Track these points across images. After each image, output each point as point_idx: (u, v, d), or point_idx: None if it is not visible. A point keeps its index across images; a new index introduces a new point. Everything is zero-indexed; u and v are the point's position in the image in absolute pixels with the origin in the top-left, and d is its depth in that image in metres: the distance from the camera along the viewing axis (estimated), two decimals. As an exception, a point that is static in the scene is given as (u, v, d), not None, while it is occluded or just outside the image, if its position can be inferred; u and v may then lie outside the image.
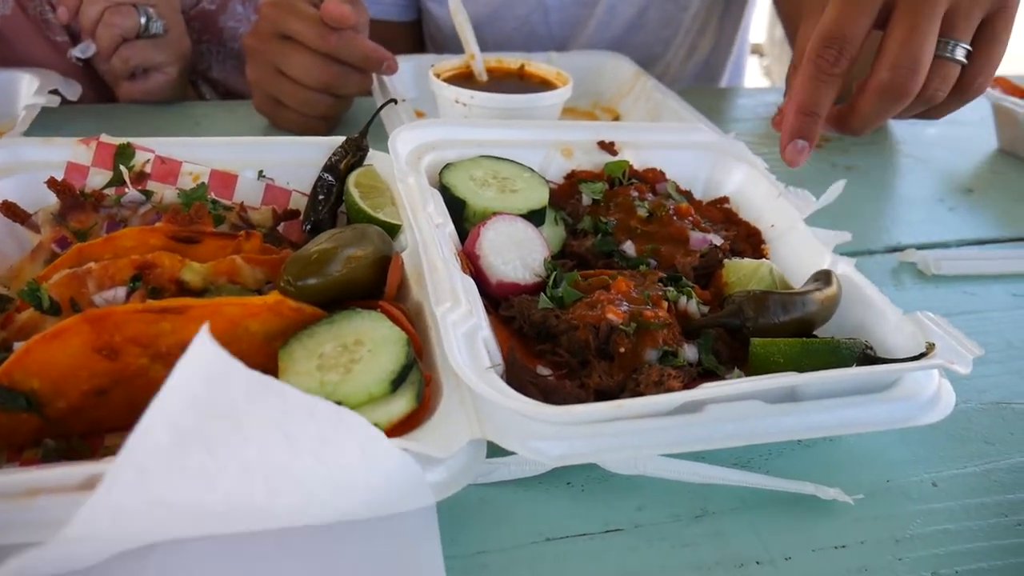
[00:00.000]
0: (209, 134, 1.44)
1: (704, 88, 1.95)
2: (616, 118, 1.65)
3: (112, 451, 0.61)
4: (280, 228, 1.02)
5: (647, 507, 0.73)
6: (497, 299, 0.93)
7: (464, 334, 0.77)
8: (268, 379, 0.54)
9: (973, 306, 1.14)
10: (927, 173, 1.57)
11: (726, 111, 1.74)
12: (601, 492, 0.74)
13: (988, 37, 0.88)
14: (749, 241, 1.10)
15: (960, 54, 0.93)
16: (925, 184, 1.53)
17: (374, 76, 1.45)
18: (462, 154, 1.08)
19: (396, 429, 0.70)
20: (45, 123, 1.24)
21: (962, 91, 0.96)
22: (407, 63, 1.56)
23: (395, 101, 1.22)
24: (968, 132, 1.76)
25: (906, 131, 1.76)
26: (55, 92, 1.26)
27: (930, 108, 0.98)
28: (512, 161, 1.09)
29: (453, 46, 1.39)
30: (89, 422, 0.67)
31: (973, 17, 0.87)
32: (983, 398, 0.94)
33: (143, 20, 1.34)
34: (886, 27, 0.93)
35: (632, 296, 0.88)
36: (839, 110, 1.01)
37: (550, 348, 0.87)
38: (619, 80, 1.68)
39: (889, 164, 1.60)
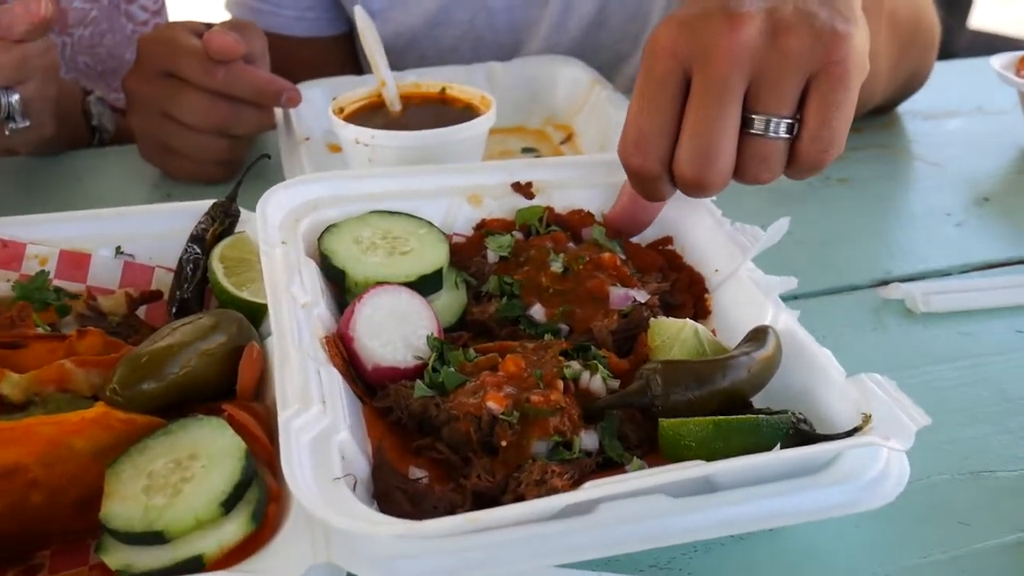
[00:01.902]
0: (92, 191, 1.51)
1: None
2: (570, 136, 1.68)
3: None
4: (143, 312, 1.06)
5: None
6: (374, 387, 0.96)
7: (312, 441, 0.80)
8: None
9: (966, 349, 1.15)
10: (938, 180, 1.58)
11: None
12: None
13: (817, 102, 0.89)
14: (691, 291, 1.12)
15: (779, 129, 0.92)
16: (933, 195, 1.53)
17: (278, 109, 1.50)
18: (350, 212, 1.12)
19: (231, 555, 0.73)
20: None
21: (798, 166, 0.98)
22: (318, 88, 1.59)
23: (268, 156, 1.26)
24: (995, 125, 1.75)
25: (920, 127, 1.76)
26: None
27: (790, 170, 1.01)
28: (407, 215, 1.12)
29: (391, 58, 1.43)
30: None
31: (785, 86, 0.89)
32: (964, 466, 0.94)
33: (4, 106, 1.28)
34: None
35: (522, 377, 0.90)
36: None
37: (430, 443, 0.90)
38: (575, 90, 1.70)
39: (894, 171, 1.61)
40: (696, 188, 0.98)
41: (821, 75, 0.89)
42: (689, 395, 0.89)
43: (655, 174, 0.99)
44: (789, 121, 0.94)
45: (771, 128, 0.94)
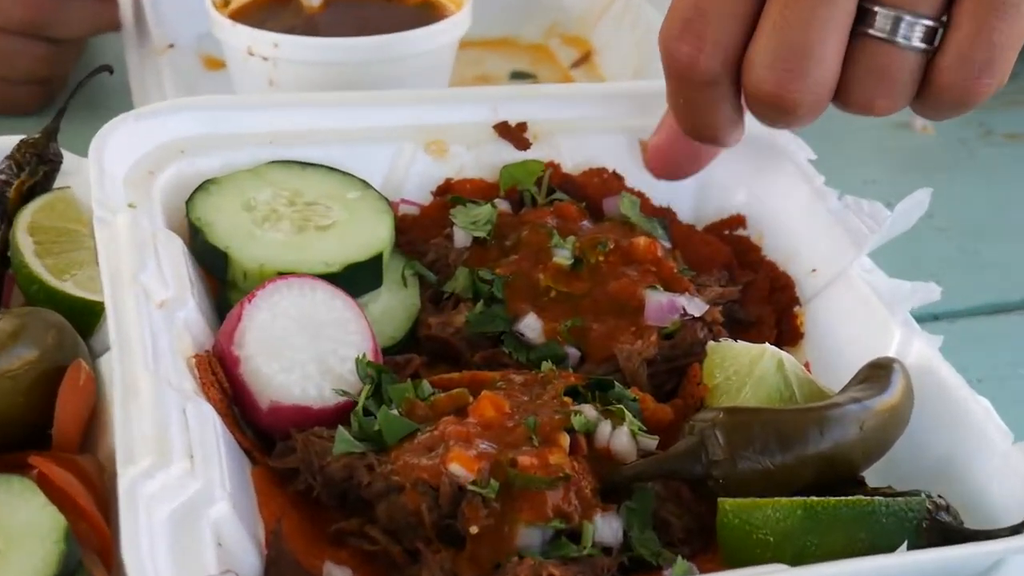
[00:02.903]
0: None
1: None
2: (586, 56, 1.69)
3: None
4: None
5: None
6: (272, 435, 0.96)
7: (171, 516, 0.80)
8: None
9: None
10: None
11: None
12: None
13: (974, 3, 0.91)
14: (773, 301, 1.13)
15: (912, 33, 0.93)
16: None
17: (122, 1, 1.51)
18: (238, 162, 1.11)
19: None
20: None
21: (935, 97, 0.97)
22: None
23: (110, 70, 1.26)
24: None
25: None
26: None
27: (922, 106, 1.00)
28: (329, 170, 1.11)
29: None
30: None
31: None
32: None
33: None
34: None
35: (505, 427, 0.91)
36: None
37: (358, 526, 0.90)
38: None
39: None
40: (774, 109, 0.98)
41: None
42: (766, 462, 0.89)
43: (712, 76, 0.98)
44: (929, 23, 0.94)
45: (901, 29, 0.94)
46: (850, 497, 0.87)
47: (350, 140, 1.16)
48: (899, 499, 0.88)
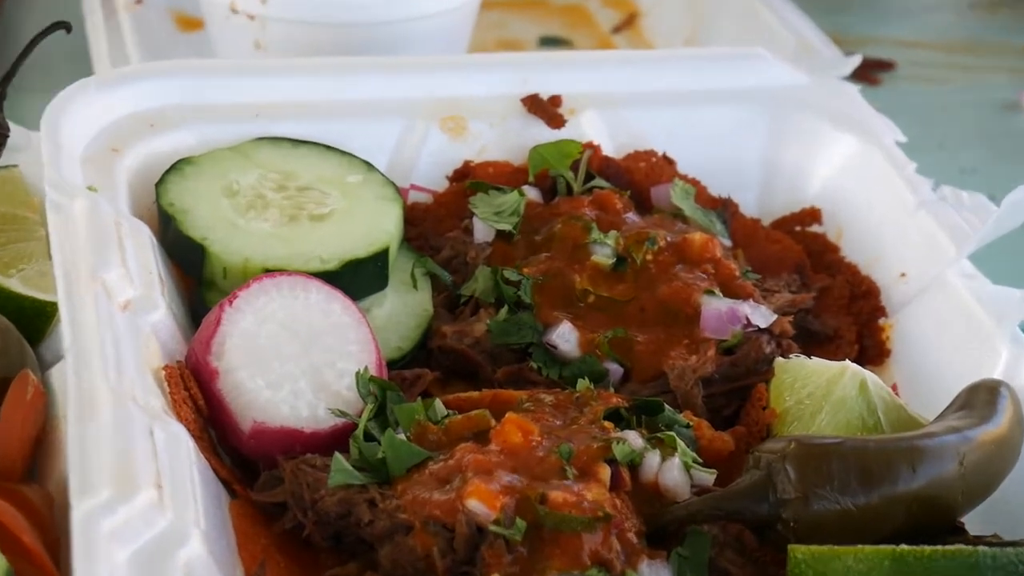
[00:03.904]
0: None
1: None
2: (631, 18, 1.69)
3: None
4: None
5: None
6: (255, 463, 0.96)
7: (135, 557, 0.79)
8: None
9: None
10: None
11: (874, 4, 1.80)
12: None
13: None
14: (855, 311, 1.13)
15: None
16: None
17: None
18: (218, 138, 1.12)
19: None
20: None
21: None
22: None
23: (67, 28, 1.25)
24: None
25: None
26: None
27: None
28: (326, 149, 1.12)
29: None
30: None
31: None
32: None
33: None
34: None
35: (534, 456, 0.90)
36: None
37: (356, 573, 0.89)
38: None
39: None
40: None
41: None
42: (847, 503, 0.89)
43: None
44: None
45: None
46: (948, 547, 0.87)
47: (351, 114, 1.16)
48: (1008, 550, 0.87)
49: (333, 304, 1.00)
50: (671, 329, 1.05)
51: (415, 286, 1.09)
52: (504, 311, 1.06)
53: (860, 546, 0.86)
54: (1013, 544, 0.88)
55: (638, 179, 1.17)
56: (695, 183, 1.18)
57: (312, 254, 1.04)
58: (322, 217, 1.07)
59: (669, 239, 1.09)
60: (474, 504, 0.86)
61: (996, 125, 1.16)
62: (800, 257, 1.16)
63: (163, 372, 0.95)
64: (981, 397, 0.97)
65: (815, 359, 1.03)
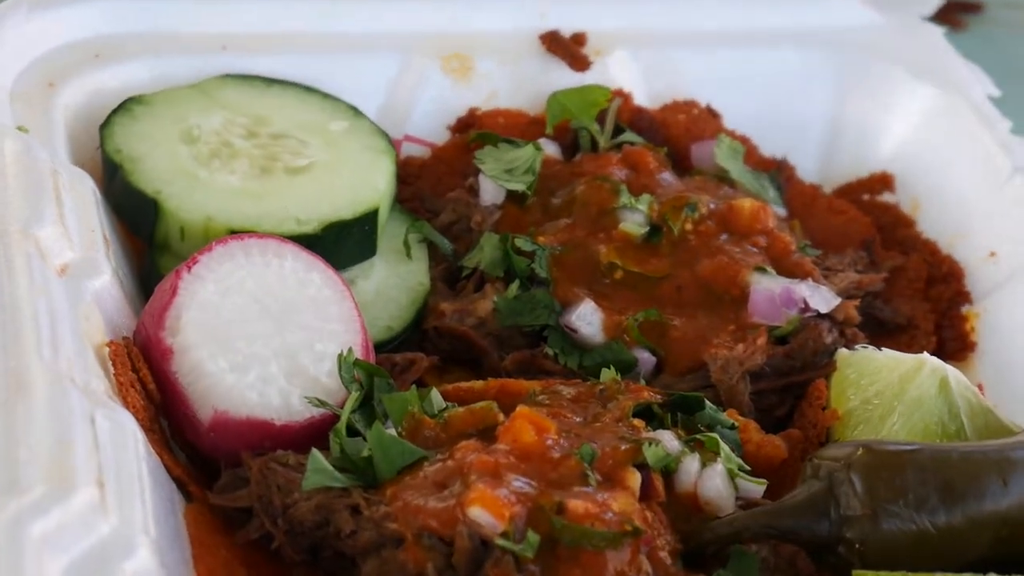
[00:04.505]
0: None
1: None
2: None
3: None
4: None
5: None
6: (215, 459, 0.93)
7: (71, 569, 0.76)
8: None
9: None
10: None
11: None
12: None
13: None
14: (934, 296, 1.12)
15: None
16: None
17: None
18: (175, 74, 1.10)
19: None
20: None
21: None
22: None
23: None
24: None
25: None
26: None
27: None
28: (306, 90, 1.11)
29: None
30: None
31: None
32: None
33: None
34: None
35: (549, 457, 0.87)
36: None
37: (335, 592, 0.86)
38: None
39: None
40: None
41: None
42: (924, 522, 0.86)
43: None
44: None
45: None
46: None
47: (335, 49, 1.15)
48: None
49: (311, 274, 0.98)
50: (713, 312, 1.04)
51: (409, 255, 1.08)
52: (515, 287, 1.04)
53: (939, 573, 0.85)
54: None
55: (676, 134, 1.17)
56: (744, 140, 1.17)
57: (287, 214, 1.03)
58: (300, 170, 1.06)
59: (712, 206, 1.07)
60: (477, 513, 0.83)
61: None
62: (868, 231, 1.15)
63: (107, 349, 0.92)
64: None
65: (885, 351, 1.01)
